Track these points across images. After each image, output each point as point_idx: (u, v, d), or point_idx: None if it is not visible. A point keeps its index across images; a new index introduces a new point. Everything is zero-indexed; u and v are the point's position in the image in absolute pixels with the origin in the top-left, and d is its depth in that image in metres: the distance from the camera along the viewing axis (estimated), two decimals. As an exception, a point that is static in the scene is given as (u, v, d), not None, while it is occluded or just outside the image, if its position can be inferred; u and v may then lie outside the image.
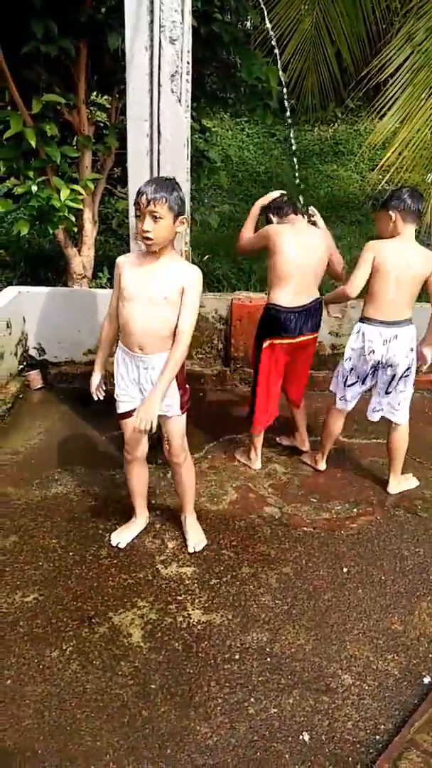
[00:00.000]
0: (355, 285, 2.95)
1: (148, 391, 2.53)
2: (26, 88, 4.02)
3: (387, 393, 3.11)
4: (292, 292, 3.12)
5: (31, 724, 2.05)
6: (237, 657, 2.31)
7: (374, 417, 3.21)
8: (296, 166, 6.88)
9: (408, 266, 2.91)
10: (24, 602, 2.50)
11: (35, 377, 4.20)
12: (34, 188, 3.95)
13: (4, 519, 2.95)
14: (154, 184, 2.32)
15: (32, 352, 4.29)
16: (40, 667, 2.24)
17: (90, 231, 4.73)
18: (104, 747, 1.99)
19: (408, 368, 3.04)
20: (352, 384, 3.12)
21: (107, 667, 2.25)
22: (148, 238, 2.33)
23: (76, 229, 4.71)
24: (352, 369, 3.09)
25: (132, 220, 2.96)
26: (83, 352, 4.31)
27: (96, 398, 2.75)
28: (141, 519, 2.92)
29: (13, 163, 4.04)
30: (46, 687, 2.17)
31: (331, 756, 1.98)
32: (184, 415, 2.67)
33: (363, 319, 3.03)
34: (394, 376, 3.05)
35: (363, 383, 3.12)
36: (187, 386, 2.67)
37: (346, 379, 3.12)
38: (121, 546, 2.81)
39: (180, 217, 2.36)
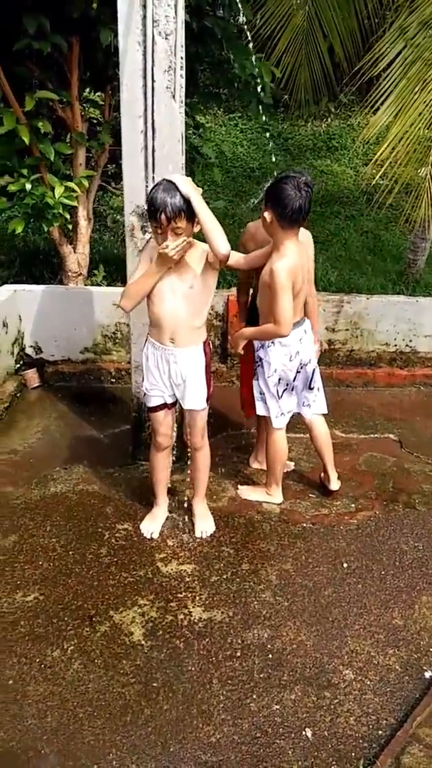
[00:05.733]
0: (287, 321, 2.67)
1: (177, 387, 2.68)
2: (19, 85, 3.99)
3: (311, 388, 3.01)
4: None
5: (34, 723, 2.05)
6: (238, 654, 2.31)
7: (306, 413, 3.07)
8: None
9: (303, 269, 2.75)
10: (24, 602, 2.49)
11: (32, 376, 4.18)
12: (28, 186, 3.93)
13: (3, 519, 2.94)
14: (168, 197, 2.32)
15: (29, 351, 4.27)
16: (42, 666, 2.23)
17: (85, 228, 4.70)
18: (107, 746, 1.99)
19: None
20: (282, 394, 2.94)
21: (109, 666, 2.25)
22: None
23: (70, 227, 4.69)
24: (279, 380, 2.90)
25: (128, 217, 2.96)
26: (80, 350, 4.29)
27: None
28: (164, 505, 2.99)
29: (6, 160, 4.01)
30: (48, 686, 2.17)
31: (333, 751, 1.99)
32: (207, 407, 2.79)
33: None
34: (313, 370, 2.98)
35: (292, 390, 2.98)
36: (212, 381, 2.79)
37: (278, 393, 2.92)
38: (155, 536, 2.87)
39: (195, 219, 2.41)
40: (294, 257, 2.66)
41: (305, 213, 2.61)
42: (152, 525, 2.91)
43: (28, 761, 1.92)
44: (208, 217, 2.37)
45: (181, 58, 2.72)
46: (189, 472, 2.98)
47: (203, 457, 2.89)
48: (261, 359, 2.90)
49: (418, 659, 2.32)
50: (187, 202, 2.36)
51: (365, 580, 2.67)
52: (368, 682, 2.22)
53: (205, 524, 2.93)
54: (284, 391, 2.94)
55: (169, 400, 2.77)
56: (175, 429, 2.91)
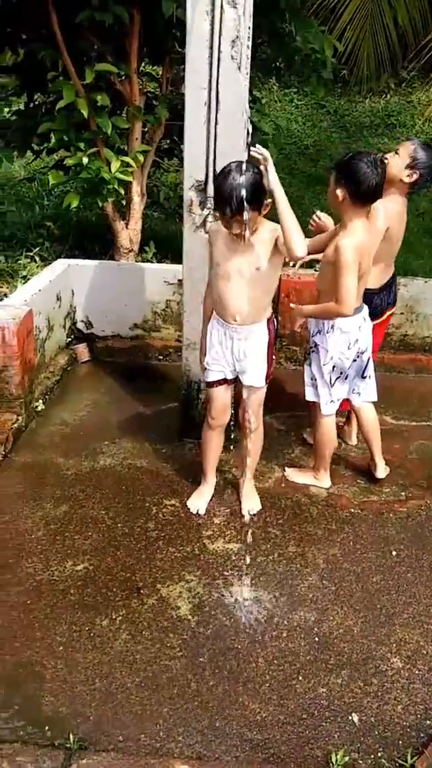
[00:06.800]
0: (350, 301, 2.59)
1: (239, 363, 2.66)
2: (77, 58, 3.98)
3: (363, 377, 2.93)
4: (380, 270, 2.94)
5: (83, 690, 2.09)
6: (284, 635, 2.31)
7: (355, 400, 3.02)
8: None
9: (371, 251, 2.68)
10: (75, 571, 2.54)
11: (82, 350, 4.22)
12: (85, 160, 3.93)
13: (55, 488, 3.00)
14: (235, 187, 2.25)
15: (80, 326, 4.31)
16: (91, 635, 2.28)
17: (138, 204, 4.69)
18: (154, 716, 2.02)
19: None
20: (335, 381, 2.86)
21: (156, 639, 2.27)
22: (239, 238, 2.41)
23: (123, 203, 4.68)
24: (334, 367, 2.83)
25: (187, 192, 2.92)
26: (129, 326, 4.31)
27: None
28: (212, 483, 2.98)
29: (64, 134, 4.02)
30: (97, 655, 2.21)
31: (380, 738, 1.97)
32: (266, 386, 2.75)
33: None
34: (368, 358, 2.90)
35: (345, 378, 2.89)
36: (273, 358, 2.75)
37: (331, 380, 2.85)
38: (201, 513, 2.88)
39: (265, 203, 2.35)
40: (362, 236, 2.59)
41: (379, 192, 2.54)
42: (199, 501, 2.92)
43: (77, 726, 1.97)
44: (289, 215, 2.31)
45: (249, 28, 2.65)
46: (239, 451, 2.97)
47: (256, 438, 2.86)
48: (317, 345, 2.84)
49: (468, 652, 2.27)
50: (255, 191, 2.29)
51: (415, 569, 2.63)
52: (417, 672, 2.19)
53: (251, 503, 2.92)
54: (337, 379, 2.87)
55: (230, 376, 2.74)
56: (231, 409, 2.86)
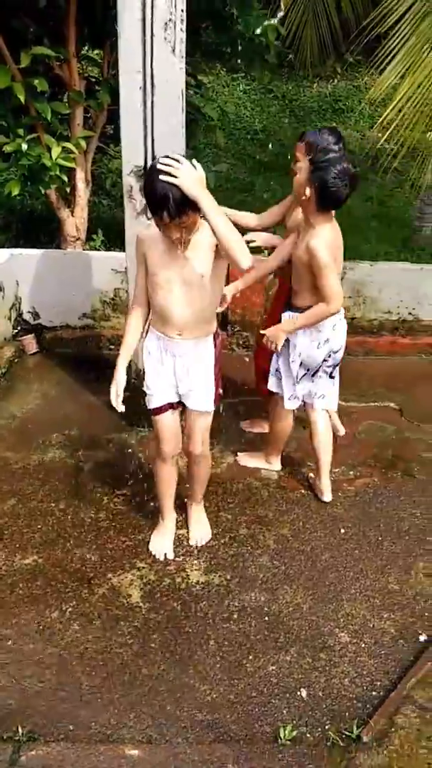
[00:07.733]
0: (339, 300, 2.55)
1: (182, 383, 2.40)
2: (13, 41, 3.86)
3: (331, 377, 2.88)
4: None
5: (33, 683, 2.08)
6: (235, 616, 2.34)
7: (317, 404, 2.92)
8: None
9: (341, 249, 2.68)
10: (23, 564, 2.51)
11: (30, 342, 4.14)
12: (24, 146, 3.83)
13: (2, 483, 2.95)
14: (170, 189, 1.95)
15: (26, 317, 4.22)
16: (41, 627, 2.26)
17: (83, 191, 4.61)
18: (105, 704, 2.02)
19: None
20: (301, 379, 2.81)
21: (107, 627, 2.27)
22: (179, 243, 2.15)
23: (68, 190, 4.59)
24: (301, 364, 2.76)
25: (126, 178, 2.89)
26: (78, 316, 4.25)
27: (119, 410, 2.39)
28: (171, 519, 2.70)
29: (1, 120, 3.91)
30: (47, 647, 2.19)
31: (328, 711, 2.02)
32: (213, 410, 2.52)
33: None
34: (341, 359, 2.86)
35: (313, 376, 2.82)
36: (220, 382, 2.52)
37: (297, 376, 2.78)
38: (170, 556, 2.59)
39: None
40: (330, 234, 2.56)
41: (343, 202, 2.53)
42: (163, 543, 2.63)
43: (26, 718, 1.95)
44: (224, 227, 2.01)
45: (182, 10, 2.62)
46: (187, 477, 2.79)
47: (203, 469, 2.64)
48: (288, 340, 2.73)
49: (413, 623, 2.34)
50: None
51: (362, 545, 2.69)
52: (363, 645, 2.25)
53: (200, 532, 2.70)
54: (303, 376, 2.81)
55: (174, 399, 2.47)
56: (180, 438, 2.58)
